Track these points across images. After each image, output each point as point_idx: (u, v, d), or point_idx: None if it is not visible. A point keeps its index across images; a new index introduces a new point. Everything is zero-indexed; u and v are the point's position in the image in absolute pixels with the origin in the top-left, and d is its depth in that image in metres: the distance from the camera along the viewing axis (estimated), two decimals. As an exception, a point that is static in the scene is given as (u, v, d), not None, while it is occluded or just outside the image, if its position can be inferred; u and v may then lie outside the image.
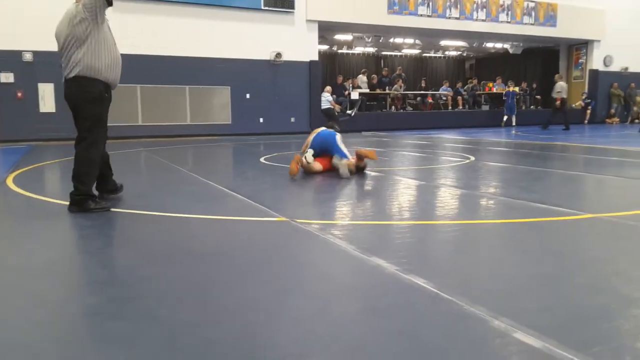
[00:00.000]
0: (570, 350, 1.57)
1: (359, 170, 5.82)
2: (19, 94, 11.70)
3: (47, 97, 11.94)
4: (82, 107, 4.06)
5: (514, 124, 17.46)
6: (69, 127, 13.28)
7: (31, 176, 6.16)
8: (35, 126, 11.82)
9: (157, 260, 2.72)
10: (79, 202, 3.87)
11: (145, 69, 12.57)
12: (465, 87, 19.65)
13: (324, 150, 5.90)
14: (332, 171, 5.77)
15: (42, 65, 11.70)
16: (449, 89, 19.15)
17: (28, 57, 11.66)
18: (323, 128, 6.36)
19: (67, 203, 3.98)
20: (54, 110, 11.98)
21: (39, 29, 11.70)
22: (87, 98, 3.98)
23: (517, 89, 18.29)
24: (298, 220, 3.42)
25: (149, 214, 3.85)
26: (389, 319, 1.87)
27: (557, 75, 16.67)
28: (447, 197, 4.55)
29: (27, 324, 1.88)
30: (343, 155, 5.75)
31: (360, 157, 5.76)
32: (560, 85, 15.78)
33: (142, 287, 2.26)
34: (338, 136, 6.02)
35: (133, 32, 12.36)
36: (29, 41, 11.61)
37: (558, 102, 15.54)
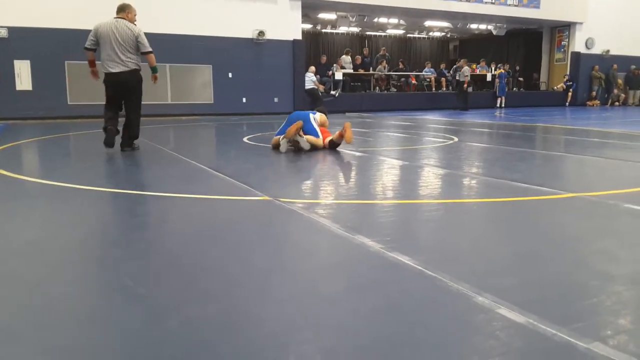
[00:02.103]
0: (553, 325, 1.59)
1: (332, 147, 5.98)
2: (-6, 71, 11.38)
3: (23, 75, 11.63)
4: (135, 88, 6.09)
5: (503, 105, 17.72)
6: (46, 106, 12.97)
7: (8, 155, 6.02)
8: (12, 104, 11.53)
9: (138, 239, 2.68)
10: (132, 145, 6.13)
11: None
12: (452, 69, 19.69)
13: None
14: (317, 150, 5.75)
15: (18, 41, 11.37)
16: (432, 70, 19.13)
17: (3, 32, 11.29)
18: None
19: (52, 182, 3.90)
20: (30, 89, 11.70)
21: (14, 4, 11.35)
22: (140, 82, 6.12)
23: (502, 70, 18.47)
24: (282, 200, 3.40)
25: (130, 193, 3.79)
26: (374, 296, 1.86)
27: (463, 61, 17.61)
28: (431, 177, 4.56)
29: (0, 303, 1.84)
30: (313, 132, 5.95)
31: (340, 135, 5.90)
32: (467, 69, 16.89)
33: (122, 267, 2.22)
34: (312, 116, 6.18)
35: (112, 9, 12.05)
36: (3, 16, 11.24)
37: (466, 85, 16.60)
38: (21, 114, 11.52)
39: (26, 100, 11.67)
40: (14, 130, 9.18)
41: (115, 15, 6.11)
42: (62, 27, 11.71)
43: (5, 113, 11.37)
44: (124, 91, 6.01)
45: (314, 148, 5.89)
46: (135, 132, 6.15)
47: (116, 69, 5.89)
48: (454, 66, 18.44)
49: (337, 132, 6.01)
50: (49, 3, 11.58)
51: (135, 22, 6.18)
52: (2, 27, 11.27)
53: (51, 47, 11.66)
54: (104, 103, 6.05)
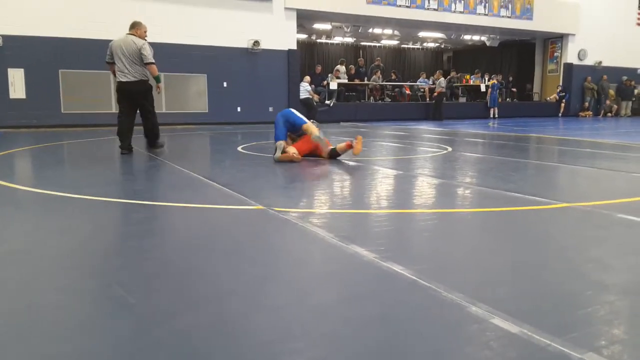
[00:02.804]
0: (547, 335, 1.58)
1: (333, 156, 6.08)
2: (-12, 79, 11.33)
3: (17, 83, 11.60)
4: (142, 96, 6.82)
5: (496, 116, 17.83)
6: (40, 114, 12.97)
7: (1, 163, 5.98)
8: (5, 113, 11.49)
9: (130, 248, 2.66)
10: (157, 144, 7.08)
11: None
12: (446, 79, 19.82)
13: (292, 126, 6.10)
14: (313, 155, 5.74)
15: (12, 49, 11.35)
16: (426, 80, 19.23)
17: (-3, 41, 11.28)
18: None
19: (44, 191, 3.88)
20: (24, 97, 11.66)
21: (8, 12, 11.34)
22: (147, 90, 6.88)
23: (495, 81, 18.63)
24: (276, 209, 3.38)
25: (123, 201, 3.76)
26: (367, 306, 1.85)
27: (438, 72, 18.03)
28: (425, 186, 4.56)
29: (-7, 313, 1.81)
30: (300, 120, 6.10)
31: (348, 146, 6.08)
32: (442, 80, 17.44)
33: (113, 276, 2.20)
34: (292, 110, 6.39)
35: (106, 18, 12.08)
36: (-3, 25, 11.23)
37: (436, 94, 17.19)
38: (15, 122, 11.48)
39: (20, 109, 11.63)
40: (7, 139, 9.13)
41: (127, 32, 6.87)
42: (56, 36, 11.71)
43: (-1, 121, 11.33)
44: (131, 98, 6.77)
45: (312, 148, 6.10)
46: (155, 133, 7.04)
47: (124, 78, 6.67)
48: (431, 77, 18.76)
49: (344, 143, 6.09)
50: (43, 11, 11.58)
51: (145, 38, 6.87)
52: (-4, 35, 11.27)
53: (45, 55, 11.65)
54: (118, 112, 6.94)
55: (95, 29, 11.97)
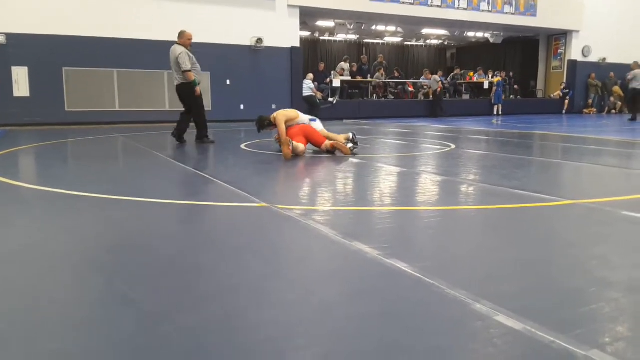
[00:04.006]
0: (552, 332, 1.58)
1: (332, 150, 6.22)
2: (-8, 78, 11.36)
3: (21, 81, 11.62)
4: (185, 97, 7.95)
5: (500, 113, 17.81)
6: (44, 112, 13.00)
7: (5, 161, 6.00)
8: (9, 111, 11.51)
9: (134, 245, 2.66)
10: (203, 139, 7.96)
11: (122, 53, 12.32)
12: (449, 77, 19.80)
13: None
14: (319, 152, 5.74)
15: (16, 47, 11.37)
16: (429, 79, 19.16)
17: (0, 39, 11.28)
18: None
19: (49, 189, 3.90)
20: (28, 95, 11.69)
21: (12, 11, 11.36)
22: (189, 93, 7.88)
23: (500, 78, 18.60)
24: (279, 206, 3.38)
25: (126, 199, 3.77)
26: (371, 303, 1.85)
27: (426, 72, 18.54)
28: (428, 183, 4.56)
29: (-2, 310, 1.82)
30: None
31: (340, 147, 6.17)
32: (436, 77, 17.70)
33: (117, 272, 2.20)
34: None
35: (108, 16, 12.09)
36: (0, 23, 11.24)
37: (431, 92, 17.52)
38: (19, 120, 11.51)
39: (24, 107, 11.65)
40: (11, 137, 9.16)
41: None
42: (60, 34, 11.73)
43: (3, 119, 11.36)
44: (180, 99, 8.02)
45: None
46: (201, 130, 7.99)
47: (175, 82, 7.88)
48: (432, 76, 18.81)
49: (343, 146, 6.16)
50: (47, 10, 11.59)
51: (189, 46, 7.70)
52: (0, 33, 11.28)
53: (49, 53, 11.67)
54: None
55: (98, 27, 12.00)
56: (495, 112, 18.01)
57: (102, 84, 12.31)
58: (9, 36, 11.29)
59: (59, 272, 2.25)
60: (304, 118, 6.62)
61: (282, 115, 6.29)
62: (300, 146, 5.92)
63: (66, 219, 3.23)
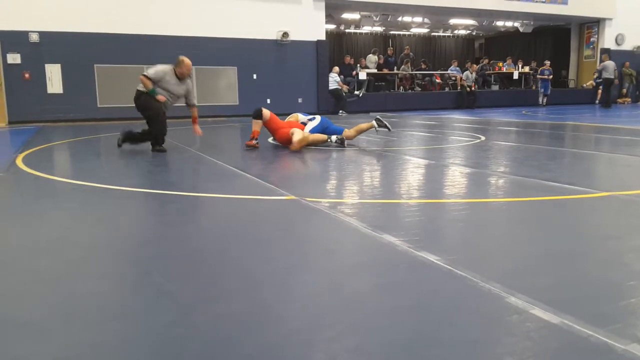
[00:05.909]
0: (589, 326, 1.55)
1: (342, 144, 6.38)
2: (26, 75, 11.66)
3: (54, 78, 11.91)
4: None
5: (544, 103, 17.78)
6: (76, 108, 13.29)
7: (40, 156, 6.17)
8: (43, 107, 11.82)
9: (167, 237, 2.71)
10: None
11: (151, 49, 12.49)
12: (477, 66, 19.46)
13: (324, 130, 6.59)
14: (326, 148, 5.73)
15: (49, 45, 11.65)
16: (457, 69, 18.89)
17: (34, 37, 11.58)
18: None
19: (83, 182, 3.99)
20: (61, 92, 11.97)
21: (45, 9, 11.63)
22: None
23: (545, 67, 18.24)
24: (307, 199, 3.39)
25: (157, 192, 3.84)
26: (402, 295, 1.85)
27: (454, 62, 18.95)
28: (458, 176, 4.50)
29: (27, 299, 1.88)
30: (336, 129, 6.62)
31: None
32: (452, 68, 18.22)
33: (152, 264, 2.25)
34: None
35: (139, 13, 12.27)
36: (35, 21, 11.53)
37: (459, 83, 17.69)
38: (52, 117, 11.81)
39: (57, 103, 11.95)
40: (45, 132, 9.41)
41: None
42: (92, 32, 11.96)
43: (38, 116, 11.68)
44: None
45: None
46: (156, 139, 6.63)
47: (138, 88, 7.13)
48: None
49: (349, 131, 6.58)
50: (79, 9, 11.83)
51: (187, 76, 6.83)
52: (33, 32, 11.57)
53: (81, 51, 11.92)
54: None
55: (129, 25, 12.19)
56: (540, 102, 17.81)
57: (132, 81, 12.49)
58: (42, 34, 11.57)
59: (96, 263, 2.31)
60: (303, 118, 6.84)
61: (298, 132, 6.32)
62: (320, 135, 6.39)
63: (100, 212, 3.30)
